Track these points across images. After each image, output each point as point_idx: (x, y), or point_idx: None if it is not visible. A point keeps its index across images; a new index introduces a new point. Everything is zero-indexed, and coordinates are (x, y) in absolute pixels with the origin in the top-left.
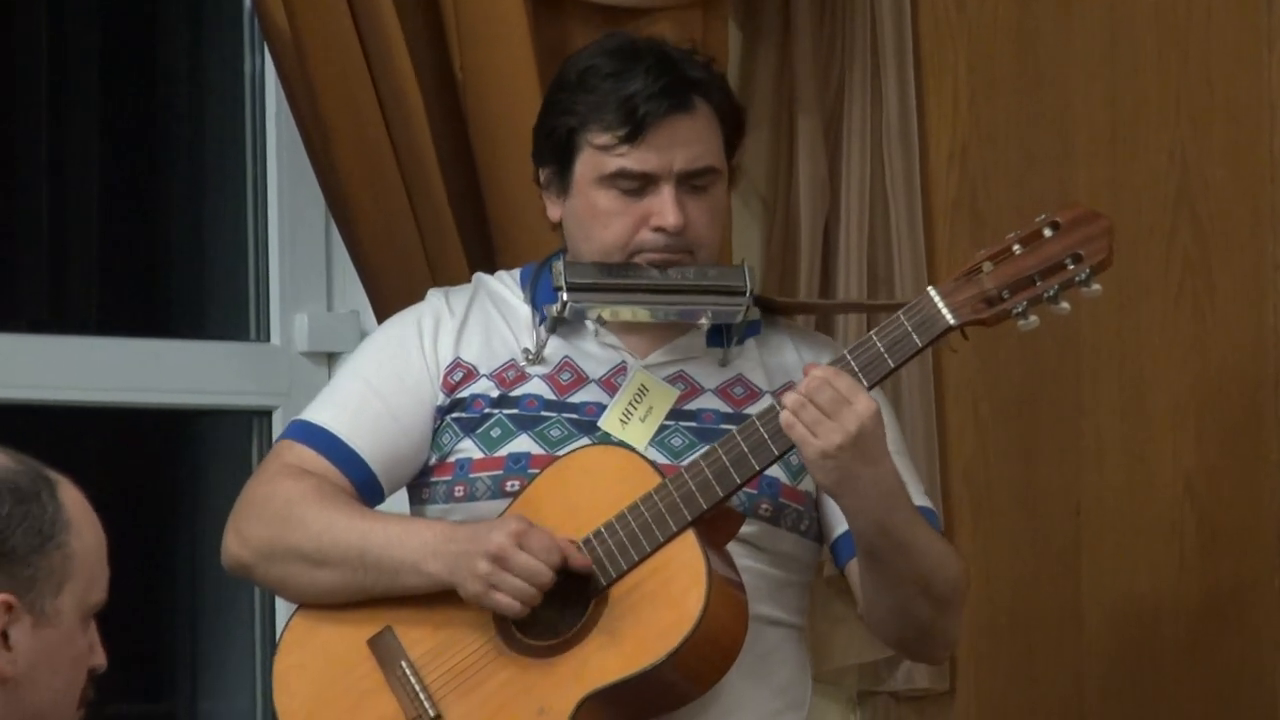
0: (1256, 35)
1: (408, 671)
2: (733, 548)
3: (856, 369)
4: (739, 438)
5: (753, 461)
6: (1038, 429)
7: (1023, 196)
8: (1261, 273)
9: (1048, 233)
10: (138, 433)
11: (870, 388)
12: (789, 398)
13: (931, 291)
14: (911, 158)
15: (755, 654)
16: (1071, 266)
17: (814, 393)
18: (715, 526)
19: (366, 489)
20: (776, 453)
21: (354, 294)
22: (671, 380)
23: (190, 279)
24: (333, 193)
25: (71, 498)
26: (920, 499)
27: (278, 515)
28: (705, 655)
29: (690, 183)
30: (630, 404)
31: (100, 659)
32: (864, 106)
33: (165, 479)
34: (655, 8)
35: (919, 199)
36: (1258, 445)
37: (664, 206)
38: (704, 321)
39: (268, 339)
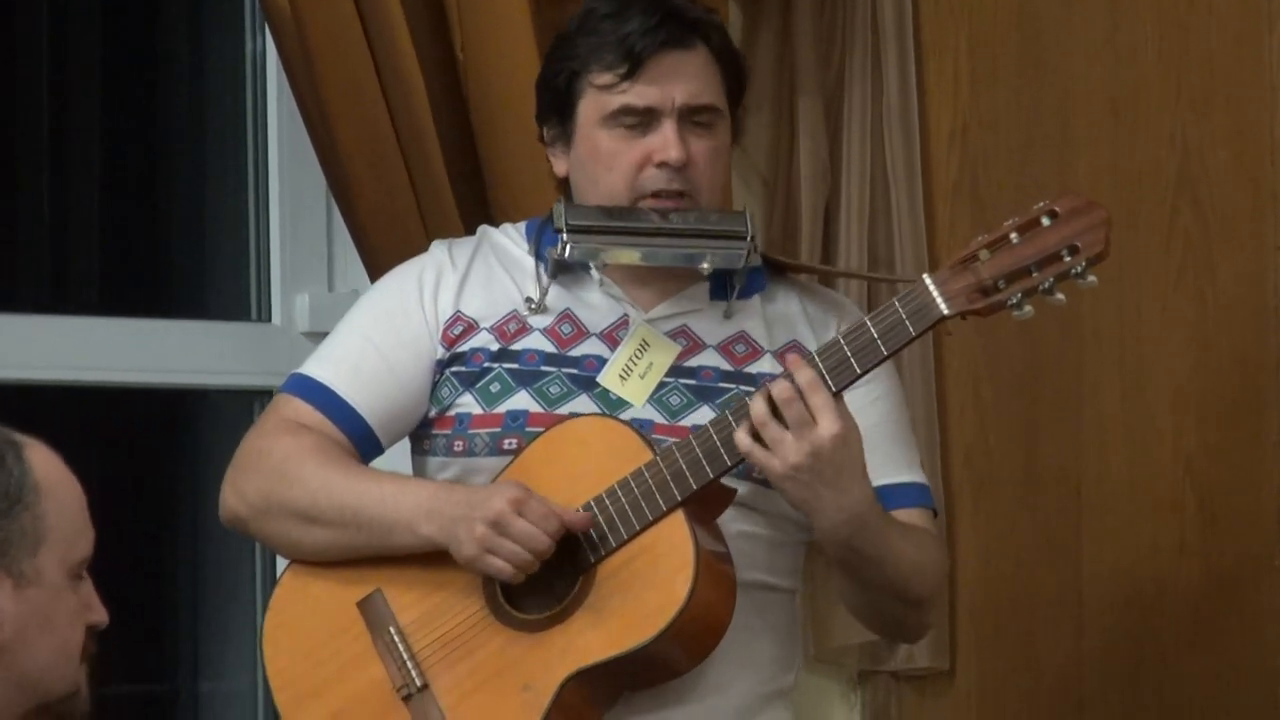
0: (1257, 17)
1: (396, 638)
2: (726, 512)
3: (850, 354)
4: (731, 418)
5: None
6: (1038, 410)
7: (1023, 179)
8: (1262, 255)
9: (1045, 221)
10: (140, 412)
11: (863, 373)
12: (754, 408)
13: (927, 279)
14: (912, 140)
15: (742, 626)
16: (1068, 258)
17: (784, 405)
18: (706, 502)
19: (364, 443)
20: None
21: (355, 274)
22: (674, 335)
23: (192, 259)
24: (334, 173)
25: (41, 458)
26: (912, 473)
27: (274, 471)
28: (692, 635)
29: (692, 119)
30: (631, 359)
31: (99, 614)
32: (864, 88)
33: (167, 458)
34: None
35: (919, 181)
36: (1258, 426)
37: (666, 141)
38: (705, 266)
39: (269, 319)
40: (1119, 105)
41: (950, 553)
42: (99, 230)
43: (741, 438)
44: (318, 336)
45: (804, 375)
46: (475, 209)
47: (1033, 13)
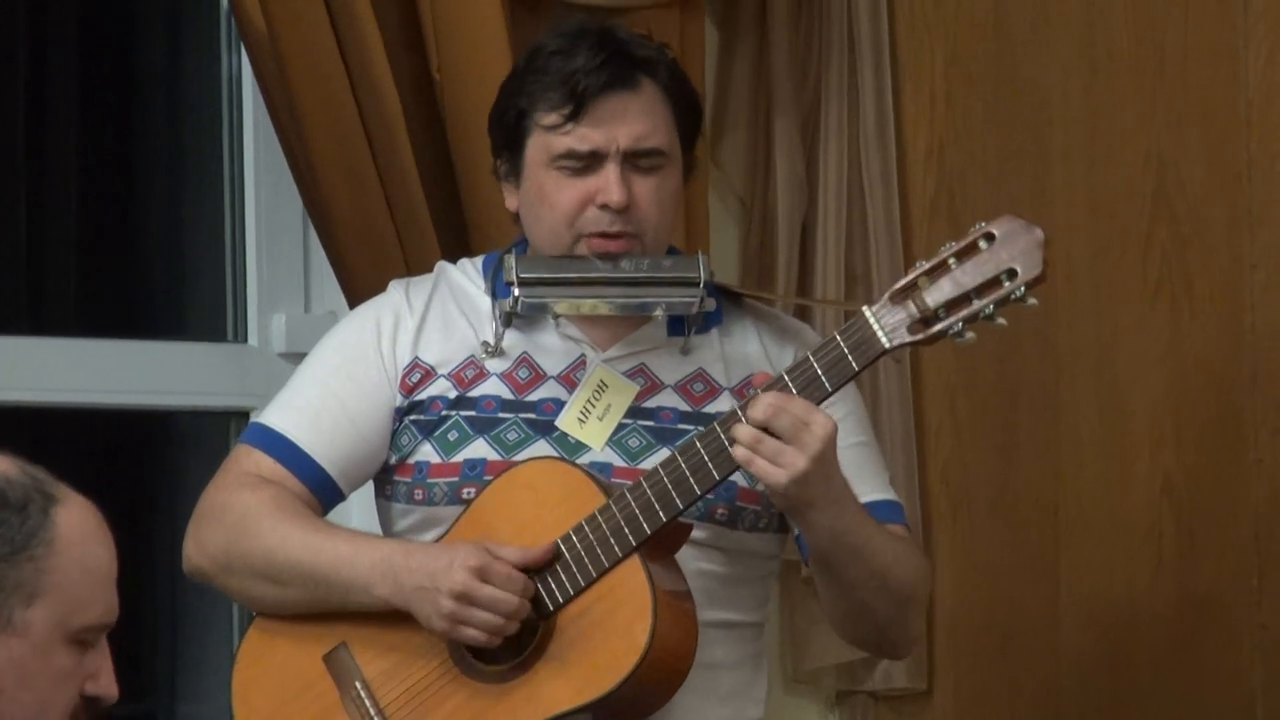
0: (1233, 34)
1: (362, 692)
2: (685, 551)
3: (794, 392)
4: (681, 460)
5: (694, 484)
6: (1016, 428)
7: (999, 196)
8: (1239, 272)
9: (983, 245)
10: (117, 433)
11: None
12: (740, 431)
13: (867, 312)
14: (888, 157)
15: (706, 663)
16: (1007, 284)
17: (772, 420)
18: (663, 540)
19: (325, 492)
20: (718, 476)
21: (331, 295)
22: (631, 374)
23: (169, 280)
24: (310, 194)
25: (73, 519)
26: (883, 491)
27: (234, 527)
28: (656, 678)
29: (636, 163)
30: (589, 401)
31: (104, 688)
32: (841, 106)
33: (144, 479)
34: (632, 7)
35: (896, 198)
36: (1235, 445)
37: (608, 183)
38: (658, 314)
39: (245, 340)
40: (1095, 122)
41: None
42: (76, 251)
43: (740, 451)
44: (294, 357)
45: (769, 395)
46: (452, 230)
47: (1008, 31)
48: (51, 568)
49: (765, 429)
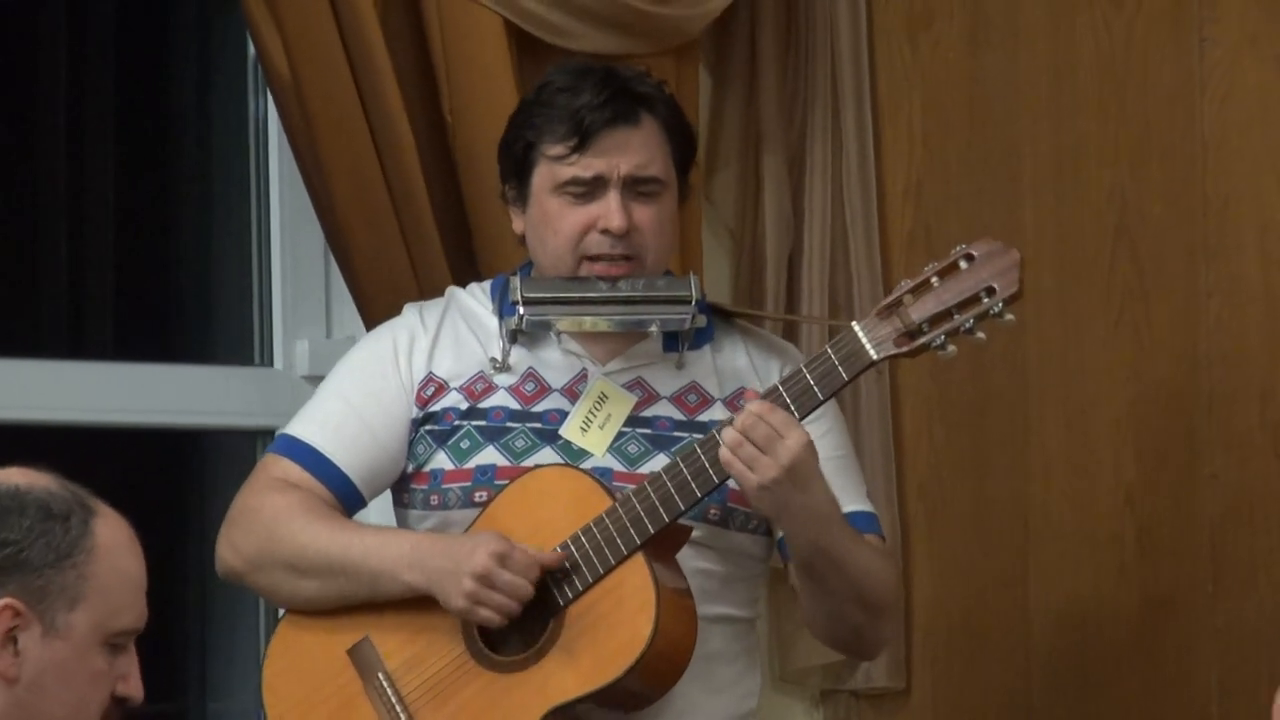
0: (1190, 80)
1: (384, 683)
2: (683, 551)
3: (789, 400)
4: (683, 465)
5: (694, 488)
6: (988, 444)
7: (973, 230)
8: (1195, 301)
9: (963, 265)
10: (152, 451)
11: (802, 418)
12: (726, 434)
13: (855, 326)
14: (869, 194)
15: (703, 655)
16: (986, 299)
17: (749, 429)
18: (664, 541)
19: (347, 498)
20: (717, 480)
21: (351, 321)
22: (630, 387)
23: (199, 308)
24: (330, 227)
25: (109, 530)
26: (860, 502)
27: (266, 527)
28: (659, 668)
29: (636, 189)
30: (590, 411)
31: (133, 689)
32: (825, 146)
33: (176, 493)
34: (630, 55)
35: (876, 231)
36: (1192, 460)
37: (609, 210)
38: (653, 330)
39: (271, 364)
40: (1062, 162)
41: (905, 579)
42: (113, 282)
43: (725, 453)
44: (317, 380)
45: (756, 403)
46: (462, 260)
47: (982, 76)
48: (92, 574)
49: (746, 437)
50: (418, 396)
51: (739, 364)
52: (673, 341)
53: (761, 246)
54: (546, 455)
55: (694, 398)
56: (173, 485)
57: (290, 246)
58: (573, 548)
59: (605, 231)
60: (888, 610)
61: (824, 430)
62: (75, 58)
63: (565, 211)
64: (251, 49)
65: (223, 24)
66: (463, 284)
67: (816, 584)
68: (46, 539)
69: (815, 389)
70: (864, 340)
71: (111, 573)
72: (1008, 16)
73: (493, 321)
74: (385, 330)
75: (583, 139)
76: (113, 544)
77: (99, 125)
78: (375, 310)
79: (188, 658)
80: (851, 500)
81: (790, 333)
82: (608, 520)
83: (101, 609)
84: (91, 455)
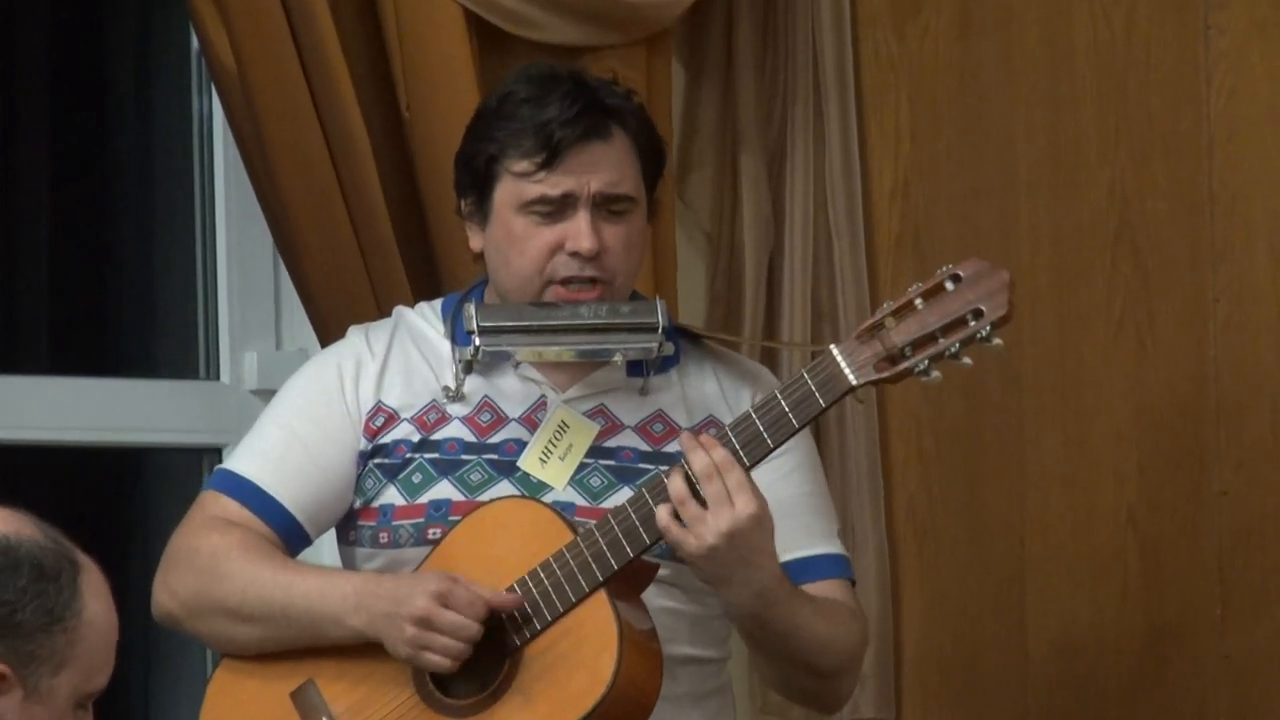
0: (1195, 70)
1: None
2: (650, 589)
3: (762, 429)
4: (648, 495)
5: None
6: (981, 460)
7: (965, 231)
8: (1201, 306)
9: (949, 286)
10: (91, 470)
11: (776, 446)
12: (673, 487)
13: (834, 350)
14: (854, 193)
15: (671, 698)
16: (973, 323)
17: (702, 483)
18: (629, 578)
19: (291, 536)
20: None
21: (303, 333)
22: (591, 415)
23: (140, 318)
24: (281, 232)
25: (93, 586)
26: (828, 544)
27: (205, 569)
28: (621, 713)
29: (607, 208)
30: (550, 442)
31: None
32: (807, 142)
33: (118, 516)
34: (600, 46)
35: (862, 234)
36: (1198, 476)
37: (579, 230)
38: (617, 359)
39: (218, 377)
40: (1059, 157)
41: (894, 604)
42: (48, 290)
43: (661, 515)
44: (266, 394)
45: (719, 454)
46: (422, 269)
47: (973, 65)
48: (80, 638)
49: (693, 493)
50: (366, 427)
51: (708, 390)
52: (637, 366)
53: (739, 251)
54: (504, 488)
55: (660, 427)
56: (112, 509)
57: (237, 251)
58: (530, 584)
59: (574, 254)
60: (846, 672)
61: (792, 467)
62: (3, 49)
63: (531, 231)
64: (195, 41)
65: (164, 14)
66: (422, 291)
67: (761, 651)
68: (40, 601)
69: (790, 416)
70: (843, 364)
71: (97, 635)
72: (1000, 3)
73: (445, 346)
74: (329, 355)
75: (551, 155)
76: (98, 605)
77: (31, 122)
78: (328, 320)
79: (130, 691)
80: (819, 542)
81: (769, 352)
82: (568, 555)
83: (82, 672)
84: (24, 476)
